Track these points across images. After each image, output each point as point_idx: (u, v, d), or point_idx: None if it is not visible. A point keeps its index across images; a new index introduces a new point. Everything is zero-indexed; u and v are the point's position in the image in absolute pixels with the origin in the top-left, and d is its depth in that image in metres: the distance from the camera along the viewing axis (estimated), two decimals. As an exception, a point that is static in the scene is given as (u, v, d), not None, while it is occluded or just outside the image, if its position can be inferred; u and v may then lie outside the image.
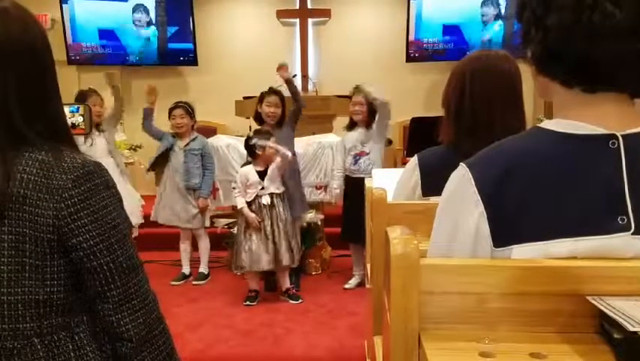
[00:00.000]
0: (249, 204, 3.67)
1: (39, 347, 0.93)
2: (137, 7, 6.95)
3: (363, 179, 3.90)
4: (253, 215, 3.64)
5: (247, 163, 3.86)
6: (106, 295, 0.95)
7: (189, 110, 4.15)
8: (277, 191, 3.72)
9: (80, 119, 2.71)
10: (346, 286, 4.10)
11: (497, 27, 6.72)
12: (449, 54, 6.74)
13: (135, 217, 4.08)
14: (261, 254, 3.63)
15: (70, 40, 6.84)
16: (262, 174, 3.69)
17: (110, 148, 4.11)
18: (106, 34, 6.95)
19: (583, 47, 0.71)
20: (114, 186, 0.99)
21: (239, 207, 3.69)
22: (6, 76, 0.92)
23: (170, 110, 4.14)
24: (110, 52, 6.99)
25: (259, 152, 3.65)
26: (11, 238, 0.91)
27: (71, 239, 0.92)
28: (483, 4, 6.76)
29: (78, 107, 2.73)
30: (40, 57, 0.97)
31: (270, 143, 3.64)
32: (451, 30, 6.82)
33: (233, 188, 3.88)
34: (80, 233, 0.92)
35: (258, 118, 4.01)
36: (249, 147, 3.71)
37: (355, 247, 4.04)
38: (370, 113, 3.91)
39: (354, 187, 3.84)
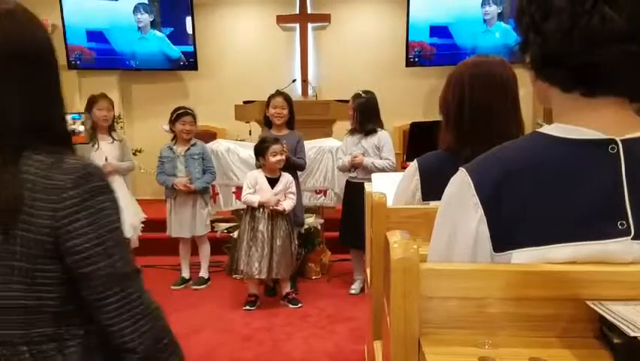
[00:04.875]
0: (254, 209, 3.66)
1: (27, 355, 0.90)
2: (136, 11, 6.96)
3: (362, 184, 3.91)
4: (273, 197, 3.63)
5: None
6: (104, 302, 0.91)
7: (195, 118, 4.21)
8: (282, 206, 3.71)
9: (81, 128, 2.71)
10: (352, 291, 4.10)
11: (498, 34, 6.74)
12: (447, 59, 6.76)
13: (135, 231, 4.14)
14: (254, 262, 3.62)
15: (70, 44, 6.85)
16: (271, 183, 3.71)
17: (125, 160, 4.16)
18: (106, 38, 6.96)
19: (582, 51, 0.71)
20: (113, 191, 0.96)
21: (257, 201, 3.62)
22: (9, 78, 0.90)
23: (180, 115, 4.15)
24: (110, 57, 6.99)
25: (261, 162, 3.68)
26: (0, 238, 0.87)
27: (67, 241, 0.88)
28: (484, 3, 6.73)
29: (80, 115, 2.72)
30: (45, 61, 0.95)
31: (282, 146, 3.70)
32: (444, 32, 6.84)
33: (236, 189, 3.87)
34: (76, 235, 0.88)
35: (267, 122, 4.06)
36: (255, 153, 3.73)
37: (355, 251, 4.04)
38: (358, 119, 3.93)
39: (353, 192, 3.87)
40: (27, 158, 0.89)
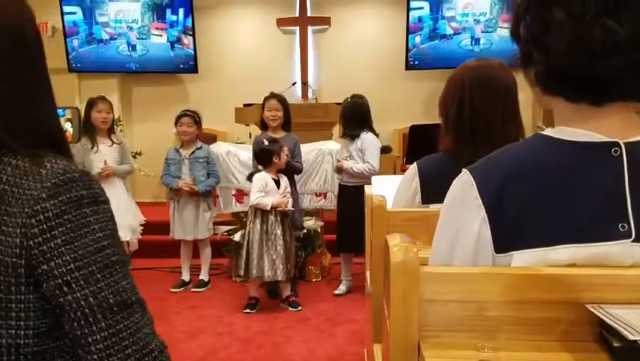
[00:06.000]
0: (266, 212, 3.66)
1: None
2: (136, 13, 6.96)
3: (347, 186, 4.01)
4: (284, 199, 3.68)
5: (255, 172, 3.86)
6: (87, 340, 0.72)
7: (196, 120, 4.21)
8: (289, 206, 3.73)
9: (68, 124, 2.54)
10: (336, 292, 4.14)
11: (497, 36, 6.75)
12: (446, 62, 6.76)
13: (135, 234, 4.16)
14: (269, 264, 3.62)
15: (70, 47, 6.85)
16: (276, 183, 3.73)
17: (124, 162, 4.15)
18: (106, 41, 6.97)
19: (586, 64, 0.71)
20: (105, 201, 0.78)
21: (270, 204, 3.61)
22: None
23: (179, 117, 4.18)
24: (110, 59, 7.00)
25: (276, 160, 3.68)
26: None
27: (42, 265, 0.71)
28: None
29: (65, 110, 2.55)
30: (26, 47, 0.78)
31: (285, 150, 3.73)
32: (444, 35, 6.86)
33: (236, 191, 3.86)
34: (52, 257, 0.71)
35: (263, 124, 4.08)
36: (264, 155, 3.73)
37: (345, 253, 4.09)
38: (342, 123, 4.03)
39: (341, 194, 4.04)
40: (6, 164, 0.73)
